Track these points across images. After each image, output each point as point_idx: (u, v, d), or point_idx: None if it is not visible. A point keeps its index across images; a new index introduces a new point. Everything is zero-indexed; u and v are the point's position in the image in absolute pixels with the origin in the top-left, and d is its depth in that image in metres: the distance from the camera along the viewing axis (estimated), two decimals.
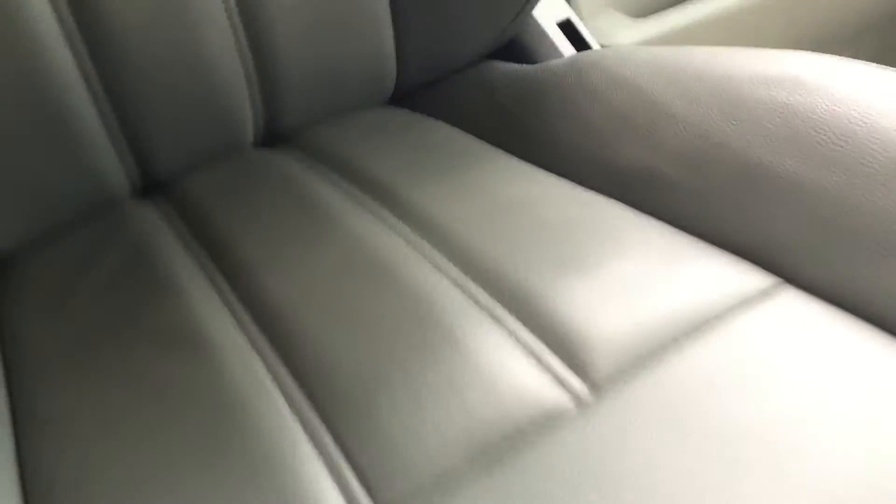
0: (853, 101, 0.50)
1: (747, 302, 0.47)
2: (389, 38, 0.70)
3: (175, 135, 0.66)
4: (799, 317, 0.46)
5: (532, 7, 0.70)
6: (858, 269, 0.46)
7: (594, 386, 0.44)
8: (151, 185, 0.69)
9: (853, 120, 0.49)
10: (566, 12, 0.74)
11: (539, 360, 0.45)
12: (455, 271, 0.51)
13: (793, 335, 0.45)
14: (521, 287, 0.49)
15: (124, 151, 0.65)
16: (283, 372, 0.47)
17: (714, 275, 0.49)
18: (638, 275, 0.49)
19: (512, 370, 0.44)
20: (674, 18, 1.03)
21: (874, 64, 0.53)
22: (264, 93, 0.68)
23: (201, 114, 0.66)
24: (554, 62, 0.68)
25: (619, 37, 1.01)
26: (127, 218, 0.64)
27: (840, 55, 0.56)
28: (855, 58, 0.55)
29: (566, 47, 0.72)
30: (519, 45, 0.74)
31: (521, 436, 0.42)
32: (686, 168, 0.55)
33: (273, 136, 0.72)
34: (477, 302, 0.49)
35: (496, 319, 0.48)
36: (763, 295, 0.47)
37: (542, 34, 0.73)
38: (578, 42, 0.73)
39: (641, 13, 1.08)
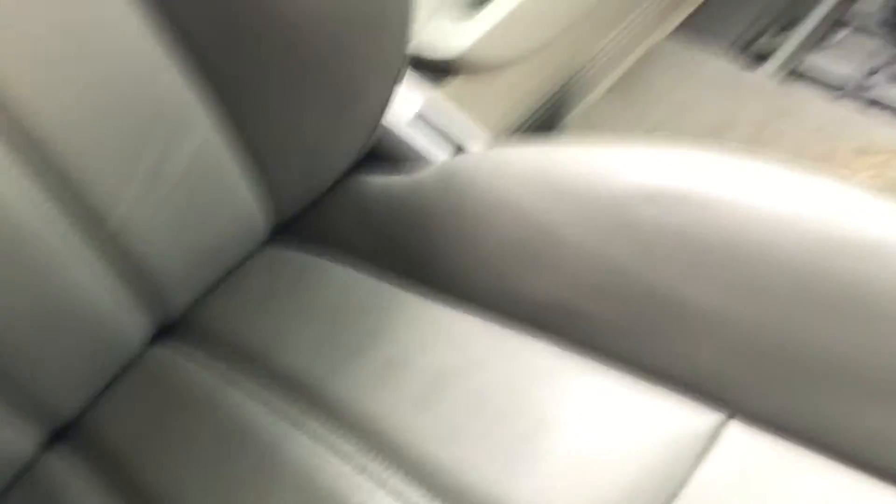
0: (742, 213, 0.50)
1: (704, 449, 0.48)
2: (254, 192, 0.67)
3: (65, 374, 0.62)
4: (756, 457, 0.48)
5: (382, 116, 0.68)
6: (791, 396, 0.48)
7: None
8: (61, 429, 0.65)
9: (744, 237, 0.49)
10: (419, 103, 0.72)
11: None
12: (419, 496, 0.51)
13: (756, 481, 0.47)
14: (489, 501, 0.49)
15: (17, 407, 0.62)
16: None
17: (662, 423, 0.50)
18: (591, 442, 0.50)
19: None
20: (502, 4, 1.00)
21: (753, 155, 0.53)
22: (145, 294, 0.64)
23: (87, 345, 0.62)
24: (423, 175, 0.66)
25: (455, 41, 0.98)
26: (50, 491, 0.61)
27: None
28: None
29: (428, 145, 0.70)
30: (383, 151, 0.71)
31: None
32: (597, 299, 0.55)
33: (166, 323, 0.69)
34: None
35: None
36: (715, 435, 0.49)
37: (401, 138, 0.70)
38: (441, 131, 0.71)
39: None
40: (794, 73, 1.20)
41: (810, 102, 1.08)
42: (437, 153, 0.70)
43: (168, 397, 0.63)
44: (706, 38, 1.20)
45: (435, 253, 0.64)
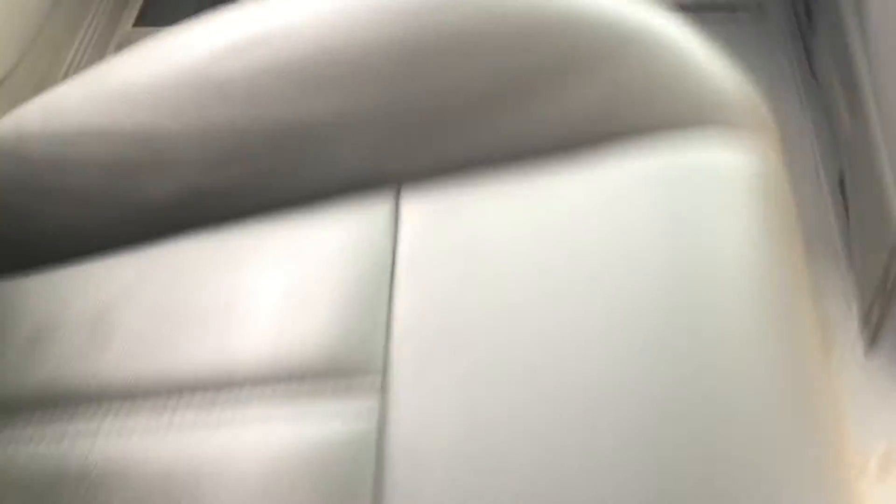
0: (317, 23, 0.53)
1: (393, 224, 0.50)
2: None
3: None
4: (441, 205, 0.50)
5: None
6: (442, 143, 0.52)
7: None
8: None
9: (329, 41, 0.52)
10: None
11: None
12: (148, 419, 0.46)
13: (451, 223, 0.49)
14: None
15: None
16: None
17: (345, 229, 0.50)
18: (289, 285, 0.49)
19: None
20: None
21: None
22: None
23: None
24: None
25: None
26: None
27: None
28: None
29: None
30: None
31: None
32: (227, 168, 0.53)
33: None
34: None
35: None
36: (396, 208, 0.51)
37: None
38: None
39: None
40: None
41: None
42: None
43: None
44: (167, 19, 1.21)
45: (28, 224, 0.57)
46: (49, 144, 0.55)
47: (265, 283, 0.49)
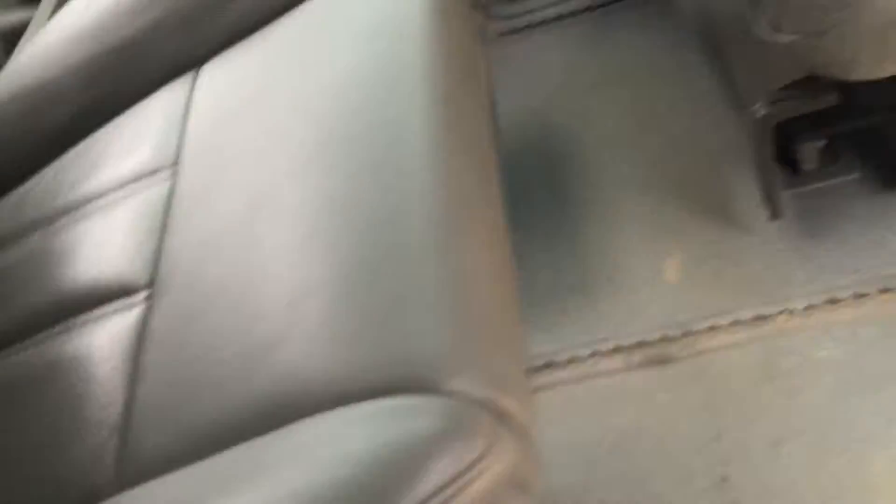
0: None
1: (188, 102, 0.74)
2: None
3: None
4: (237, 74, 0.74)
5: None
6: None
7: None
8: None
9: None
10: None
11: None
12: None
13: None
14: None
15: None
16: None
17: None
18: None
19: None
20: None
21: None
22: None
23: None
24: None
25: None
26: None
27: None
28: None
29: None
30: None
31: None
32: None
33: None
34: None
35: None
36: (193, 88, 0.75)
37: None
38: None
39: None
40: None
41: None
42: None
43: None
44: None
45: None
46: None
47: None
